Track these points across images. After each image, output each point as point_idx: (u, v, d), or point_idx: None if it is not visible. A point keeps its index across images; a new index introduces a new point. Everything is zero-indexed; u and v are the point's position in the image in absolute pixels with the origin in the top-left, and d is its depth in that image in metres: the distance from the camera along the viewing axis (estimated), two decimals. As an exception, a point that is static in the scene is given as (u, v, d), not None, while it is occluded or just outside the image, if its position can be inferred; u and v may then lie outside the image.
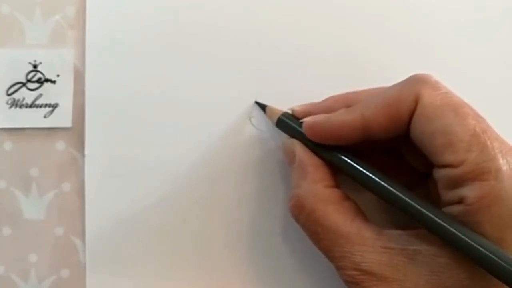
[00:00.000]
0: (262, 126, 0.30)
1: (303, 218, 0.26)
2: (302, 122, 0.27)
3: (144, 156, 0.29)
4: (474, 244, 0.22)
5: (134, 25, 0.29)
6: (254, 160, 0.30)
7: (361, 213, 0.26)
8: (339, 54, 0.31)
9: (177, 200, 0.30)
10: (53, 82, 0.29)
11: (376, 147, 0.27)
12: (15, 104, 0.29)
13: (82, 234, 0.29)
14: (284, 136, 0.28)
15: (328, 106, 0.27)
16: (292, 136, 0.28)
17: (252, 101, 0.30)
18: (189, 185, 0.30)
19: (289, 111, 0.28)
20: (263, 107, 0.29)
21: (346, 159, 0.26)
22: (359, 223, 0.25)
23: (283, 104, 0.29)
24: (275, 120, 0.28)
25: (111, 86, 0.29)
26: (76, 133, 0.29)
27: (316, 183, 0.26)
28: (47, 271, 0.29)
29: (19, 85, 0.29)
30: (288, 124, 0.28)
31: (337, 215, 0.25)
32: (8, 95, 0.29)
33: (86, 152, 0.29)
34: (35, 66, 0.29)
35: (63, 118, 0.29)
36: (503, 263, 0.21)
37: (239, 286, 0.30)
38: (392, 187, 0.24)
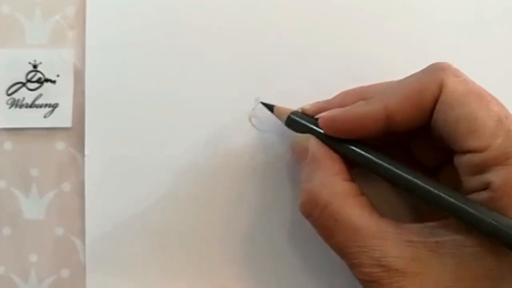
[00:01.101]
0: (262, 126, 0.30)
1: (317, 212, 0.25)
2: (316, 119, 0.26)
3: (144, 156, 0.29)
4: (505, 229, 0.21)
5: (134, 25, 0.29)
6: (254, 160, 0.30)
7: (376, 209, 0.25)
8: (339, 54, 0.30)
9: (177, 200, 0.30)
10: (53, 82, 0.29)
11: (384, 143, 0.26)
12: (15, 104, 0.29)
13: (82, 234, 0.29)
14: (289, 135, 0.28)
15: (340, 102, 0.27)
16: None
17: (253, 101, 0.30)
18: (189, 185, 0.30)
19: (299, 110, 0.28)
20: (270, 107, 0.29)
21: (363, 152, 0.25)
22: (377, 218, 0.24)
23: (283, 104, 0.29)
24: (284, 119, 0.28)
25: (111, 86, 0.29)
26: (76, 133, 0.29)
27: (333, 176, 0.25)
28: (47, 271, 0.29)
29: (19, 85, 0.29)
30: (300, 122, 0.27)
31: (355, 208, 0.24)
32: (8, 95, 0.29)
33: (86, 152, 0.29)
34: (35, 66, 0.29)
35: (63, 118, 0.29)
36: None
37: (239, 287, 0.30)
38: (417, 178, 0.24)
